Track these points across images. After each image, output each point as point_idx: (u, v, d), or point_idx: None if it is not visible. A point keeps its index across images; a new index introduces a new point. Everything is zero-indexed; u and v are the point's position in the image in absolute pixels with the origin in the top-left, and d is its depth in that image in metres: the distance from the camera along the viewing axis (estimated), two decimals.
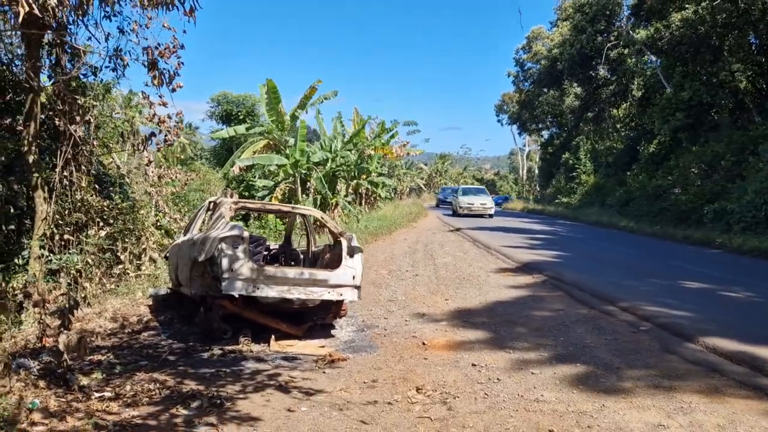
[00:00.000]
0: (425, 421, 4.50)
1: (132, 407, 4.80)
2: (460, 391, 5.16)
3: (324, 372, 5.80)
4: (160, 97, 10.55)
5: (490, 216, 30.34)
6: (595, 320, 7.38)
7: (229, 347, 6.52)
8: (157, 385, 5.30)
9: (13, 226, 10.66)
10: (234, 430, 4.33)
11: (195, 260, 6.63)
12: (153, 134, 9.85)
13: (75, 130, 10.45)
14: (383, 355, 6.34)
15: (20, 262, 9.80)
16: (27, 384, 5.19)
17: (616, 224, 25.29)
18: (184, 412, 4.64)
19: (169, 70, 8.06)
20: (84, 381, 5.39)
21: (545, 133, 58.92)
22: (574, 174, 43.03)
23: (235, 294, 6.39)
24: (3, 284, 7.40)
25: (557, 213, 36.83)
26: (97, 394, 5.07)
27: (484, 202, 31.20)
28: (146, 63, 8.60)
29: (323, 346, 6.74)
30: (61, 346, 5.16)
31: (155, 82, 7.52)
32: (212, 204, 8.18)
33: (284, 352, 6.49)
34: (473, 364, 5.85)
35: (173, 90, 10.43)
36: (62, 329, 5.29)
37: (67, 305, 5.52)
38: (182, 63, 9.31)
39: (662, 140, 30.31)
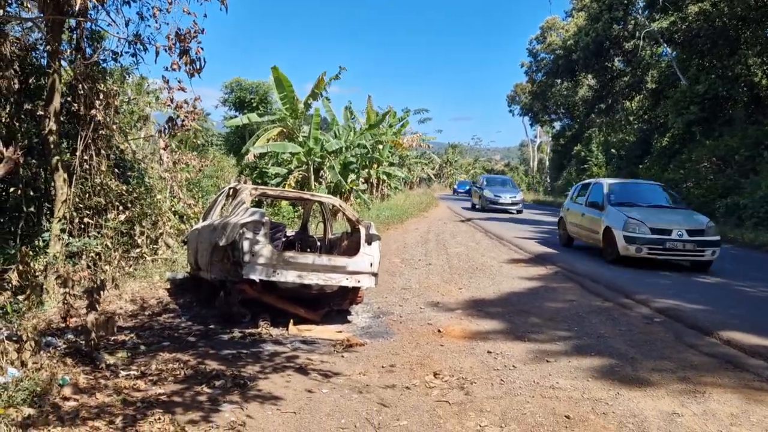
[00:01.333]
0: (443, 404, 4.61)
1: (158, 385, 4.94)
2: (477, 377, 5.27)
3: (342, 356, 5.93)
4: (178, 82, 10.67)
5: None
6: (608, 311, 7.46)
7: (249, 330, 6.66)
8: (181, 364, 5.44)
9: (33, 209, 10.86)
10: (258, 408, 4.46)
11: (216, 245, 6.75)
12: (171, 119, 9.95)
13: (95, 115, 10.59)
14: (400, 341, 6.46)
15: (41, 244, 10.00)
16: (56, 361, 5.35)
17: None
18: (209, 390, 4.78)
19: (191, 56, 8.12)
20: (110, 360, 5.53)
21: (557, 125, 58.67)
22: (585, 166, 42.87)
23: (255, 278, 6.51)
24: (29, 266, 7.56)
25: None
26: (123, 373, 5.21)
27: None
28: (169, 49, 8.70)
29: (340, 332, 6.87)
30: (89, 325, 5.32)
31: (187, 70, 7.58)
32: (232, 190, 8.29)
33: (302, 336, 6.62)
34: (489, 352, 5.95)
35: (192, 75, 10.57)
36: (90, 309, 5.44)
37: (94, 285, 5.67)
38: (202, 48, 9.43)
39: (675, 133, 30.12)
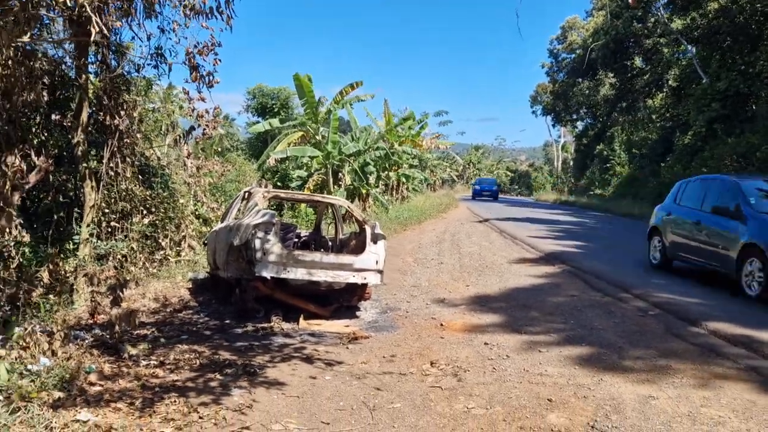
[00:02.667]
0: (436, 390, 4.97)
1: (174, 373, 5.39)
2: (471, 365, 5.61)
3: (347, 347, 6.32)
4: (198, 92, 11.22)
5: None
6: (606, 305, 7.72)
7: (262, 325, 7.09)
8: (196, 355, 5.89)
9: (63, 214, 11.49)
10: (264, 393, 4.87)
11: (231, 245, 7.20)
12: (192, 128, 10.48)
13: (119, 124, 11.19)
14: (403, 334, 6.82)
15: (71, 247, 10.60)
16: (83, 352, 5.84)
17: (648, 216, 25.17)
18: (220, 377, 5.21)
19: (206, 69, 8.61)
20: (132, 351, 6.00)
21: (580, 124, 58.38)
22: (608, 165, 42.72)
23: (267, 275, 6.94)
24: (59, 266, 8.12)
25: (589, 205, 36.68)
26: (144, 362, 5.67)
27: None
28: (186, 63, 9.23)
29: (348, 326, 7.25)
30: (113, 318, 5.80)
31: (195, 81, 8.09)
32: (247, 193, 8.76)
33: (311, 329, 7.03)
34: (486, 343, 6.28)
35: (210, 86, 11.10)
36: (114, 304, 5.92)
37: (118, 283, 6.16)
38: (219, 60, 9.94)
39: (697, 131, 29.92)
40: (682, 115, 33.19)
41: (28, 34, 6.42)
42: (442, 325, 7.12)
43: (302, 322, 7.23)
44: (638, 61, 38.13)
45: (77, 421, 4.16)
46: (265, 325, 7.10)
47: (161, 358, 5.80)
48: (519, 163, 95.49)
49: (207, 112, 10.62)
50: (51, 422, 4.05)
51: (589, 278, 9.58)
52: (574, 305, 7.79)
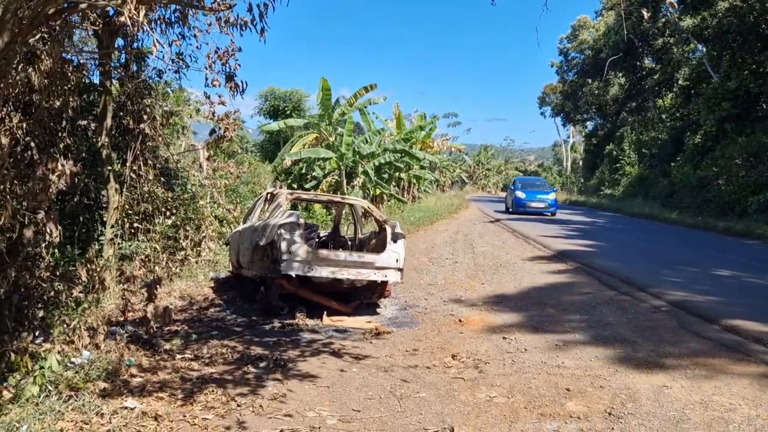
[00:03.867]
0: (459, 381, 5.23)
1: (210, 366, 5.68)
2: (491, 358, 5.87)
3: (371, 342, 6.59)
4: (219, 96, 11.55)
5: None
6: (619, 302, 7.94)
7: (287, 321, 7.38)
8: (229, 350, 6.18)
9: (88, 216, 11.84)
10: (297, 384, 5.15)
11: (257, 245, 7.50)
12: (214, 131, 10.79)
13: (143, 129, 11.53)
14: (423, 329, 7.09)
15: (96, 247, 10.95)
16: (121, 346, 6.15)
17: (658, 216, 25.34)
18: (254, 370, 5.50)
19: (236, 81, 8.88)
20: (166, 346, 6.31)
21: (589, 124, 58.41)
22: (617, 165, 42.75)
23: (293, 274, 7.23)
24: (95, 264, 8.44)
25: (599, 204, 36.79)
26: (179, 356, 5.97)
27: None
28: (209, 67, 9.55)
29: (370, 322, 7.53)
30: (149, 315, 6.09)
31: (230, 90, 8.35)
32: (269, 195, 9.06)
33: (336, 325, 7.32)
34: (504, 338, 6.54)
35: (234, 93, 11.43)
36: (149, 301, 6.22)
37: (152, 280, 6.46)
38: (239, 65, 10.27)
39: (708, 131, 29.99)
40: (692, 115, 33.26)
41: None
42: (460, 321, 7.38)
43: (326, 319, 7.51)
44: (648, 61, 38.17)
45: (125, 408, 4.45)
46: (291, 321, 7.39)
47: (195, 352, 6.10)
48: (528, 163, 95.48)
49: (227, 115, 10.96)
50: (101, 409, 4.36)
51: (602, 276, 9.80)
52: (587, 302, 8.02)
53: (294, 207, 20.04)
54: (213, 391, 4.89)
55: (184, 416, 4.38)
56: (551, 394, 4.79)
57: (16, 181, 6.00)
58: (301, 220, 7.46)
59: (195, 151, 16.74)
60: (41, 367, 4.76)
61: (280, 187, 22.60)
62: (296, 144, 20.72)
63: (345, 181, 20.94)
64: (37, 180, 5.10)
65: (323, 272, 7.32)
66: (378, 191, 21.71)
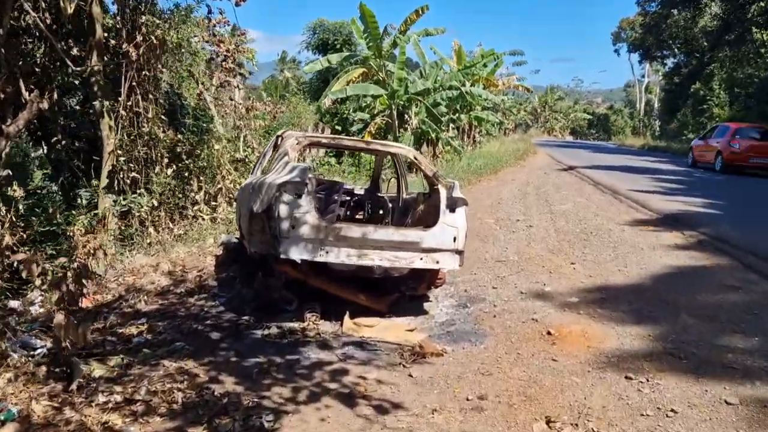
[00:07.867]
0: None
1: (140, 422, 3.43)
2: (614, 425, 3.37)
3: (409, 374, 4.18)
4: (220, 13, 9.05)
5: None
6: None
7: (290, 324, 5.07)
8: (184, 383, 3.93)
9: (78, 162, 9.77)
10: None
11: (251, 211, 5.09)
12: (212, 58, 8.36)
13: (139, 53, 9.22)
14: (493, 348, 4.61)
15: (83, 202, 8.88)
16: (20, 374, 3.97)
17: None
18: None
19: None
20: (95, 370, 4.10)
21: (669, 62, 52.72)
22: (704, 107, 38.10)
23: (296, 257, 4.83)
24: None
25: (685, 151, 32.68)
26: (102, 396, 3.74)
27: None
28: None
29: (412, 329, 5.12)
30: (56, 330, 3.85)
31: None
32: (279, 138, 6.57)
33: (360, 335, 4.93)
34: (628, 377, 3.99)
35: (238, 4, 8.93)
36: (60, 307, 3.97)
37: (75, 274, 4.19)
38: None
39: None
40: None
41: None
42: (549, 333, 4.86)
43: (347, 322, 5.12)
44: None
45: None
46: (296, 325, 5.06)
47: (131, 388, 3.86)
48: (596, 105, 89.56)
49: (233, 32, 8.47)
50: None
51: (746, 257, 6.95)
52: (745, 306, 5.30)
53: (341, 153, 17.58)
54: None
55: None
56: None
57: None
58: (310, 177, 4.99)
59: (230, 89, 14.33)
60: None
61: (322, 131, 19.92)
62: (340, 80, 18.05)
63: (396, 123, 18.27)
64: None
65: (341, 256, 4.88)
66: (435, 135, 18.97)
